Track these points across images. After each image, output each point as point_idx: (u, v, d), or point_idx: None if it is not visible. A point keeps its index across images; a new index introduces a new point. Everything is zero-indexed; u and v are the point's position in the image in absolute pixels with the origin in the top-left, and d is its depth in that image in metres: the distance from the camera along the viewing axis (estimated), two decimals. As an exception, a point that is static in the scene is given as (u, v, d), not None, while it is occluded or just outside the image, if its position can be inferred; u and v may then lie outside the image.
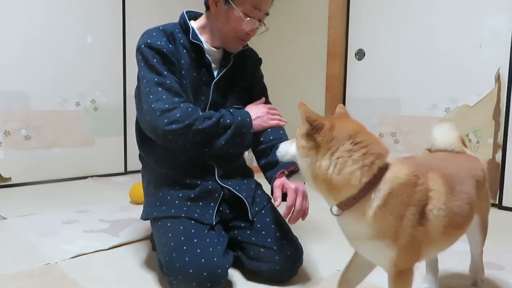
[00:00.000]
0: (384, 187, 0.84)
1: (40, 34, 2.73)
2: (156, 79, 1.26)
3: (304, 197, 1.29)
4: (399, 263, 0.89)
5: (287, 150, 0.96)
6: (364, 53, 3.04)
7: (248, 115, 1.35)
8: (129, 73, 3.16)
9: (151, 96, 1.25)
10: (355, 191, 0.85)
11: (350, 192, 0.86)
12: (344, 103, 3.19)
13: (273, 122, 1.43)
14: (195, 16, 1.46)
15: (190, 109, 1.25)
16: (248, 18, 1.31)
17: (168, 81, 1.27)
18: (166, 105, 1.23)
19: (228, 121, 1.30)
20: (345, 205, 0.87)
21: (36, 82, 2.74)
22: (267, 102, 1.55)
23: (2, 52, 2.60)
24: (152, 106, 1.24)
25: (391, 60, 2.89)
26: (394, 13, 2.85)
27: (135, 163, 3.23)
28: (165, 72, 1.28)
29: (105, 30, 3.02)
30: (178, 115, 1.23)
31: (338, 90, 3.18)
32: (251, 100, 1.49)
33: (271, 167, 1.40)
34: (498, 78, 2.42)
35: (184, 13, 1.42)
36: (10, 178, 2.68)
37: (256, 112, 1.40)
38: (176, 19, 1.42)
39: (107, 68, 3.05)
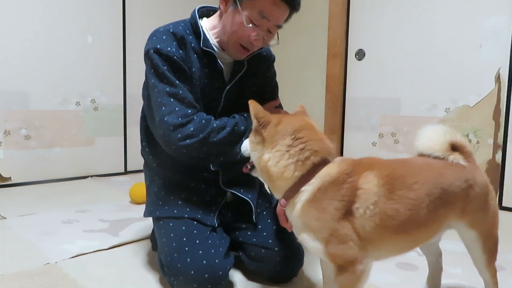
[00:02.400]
0: (314, 182, 0.90)
1: (40, 34, 2.73)
2: (167, 89, 1.20)
3: None
4: (332, 257, 0.91)
5: (246, 145, 1.03)
6: (364, 53, 3.04)
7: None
8: (129, 73, 3.15)
9: (163, 108, 1.19)
10: (289, 184, 0.93)
11: (285, 184, 0.93)
12: (344, 103, 3.19)
13: None
14: (207, 11, 1.37)
15: (203, 121, 1.20)
16: (251, 25, 1.20)
17: (180, 91, 1.21)
18: (179, 119, 1.18)
19: (242, 128, 1.23)
20: (286, 198, 0.94)
21: (36, 82, 2.74)
22: (277, 104, 1.48)
23: (2, 51, 2.60)
24: (165, 119, 1.18)
25: (391, 60, 2.89)
26: (394, 13, 2.85)
27: (135, 163, 3.23)
28: (177, 82, 1.21)
29: (105, 30, 3.02)
30: (191, 129, 1.17)
31: (338, 90, 3.18)
32: (262, 101, 1.41)
33: None
34: (498, 78, 2.42)
35: (196, 12, 1.32)
36: (10, 178, 2.68)
37: None
38: (176, 19, 1.34)
39: (107, 68, 3.05)
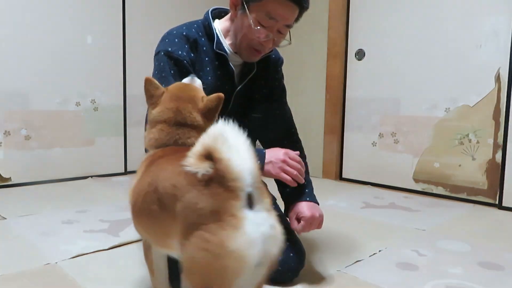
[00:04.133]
0: (144, 156, 1.09)
1: (40, 34, 2.73)
2: None
3: (318, 224, 1.32)
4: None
5: None
6: (364, 53, 3.04)
7: (262, 157, 1.23)
8: (129, 73, 3.15)
9: None
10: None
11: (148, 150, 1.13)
12: (344, 103, 3.19)
13: (283, 176, 1.25)
14: (219, 13, 1.38)
15: None
16: (259, 27, 1.21)
17: None
18: None
19: None
20: None
21: (36, 82, 2.74)
22: (284, 105, 1.47)
23: (2, 52, 2.60)
24: None
25: (391, 60, 2.89)
26: (394, 13, 2.85)
27: (135, 163, 3.22)
28: None
29: (105, 30, 3.02)
30: None
31: (338, 90, 3.18)
32: (270, 103, 1.41)
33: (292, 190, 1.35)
34: (498, 78, 2.42)
35: (209, 14, 1.33)
36: (10, 178, 2.68)
37: (273, 156, 1.25)
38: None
39: (107, 68, 3.05)
